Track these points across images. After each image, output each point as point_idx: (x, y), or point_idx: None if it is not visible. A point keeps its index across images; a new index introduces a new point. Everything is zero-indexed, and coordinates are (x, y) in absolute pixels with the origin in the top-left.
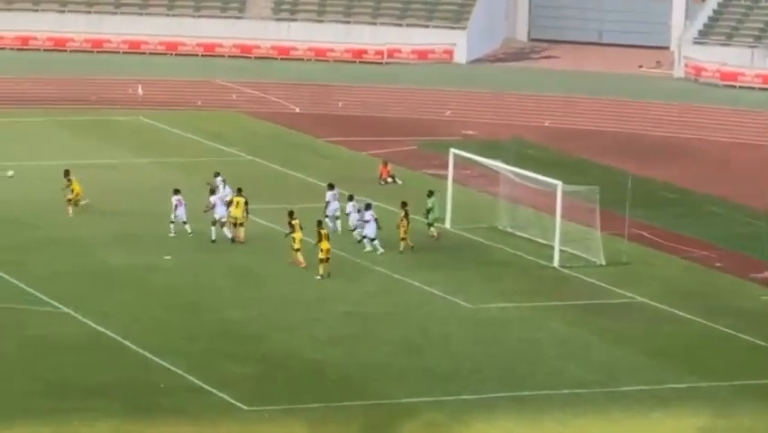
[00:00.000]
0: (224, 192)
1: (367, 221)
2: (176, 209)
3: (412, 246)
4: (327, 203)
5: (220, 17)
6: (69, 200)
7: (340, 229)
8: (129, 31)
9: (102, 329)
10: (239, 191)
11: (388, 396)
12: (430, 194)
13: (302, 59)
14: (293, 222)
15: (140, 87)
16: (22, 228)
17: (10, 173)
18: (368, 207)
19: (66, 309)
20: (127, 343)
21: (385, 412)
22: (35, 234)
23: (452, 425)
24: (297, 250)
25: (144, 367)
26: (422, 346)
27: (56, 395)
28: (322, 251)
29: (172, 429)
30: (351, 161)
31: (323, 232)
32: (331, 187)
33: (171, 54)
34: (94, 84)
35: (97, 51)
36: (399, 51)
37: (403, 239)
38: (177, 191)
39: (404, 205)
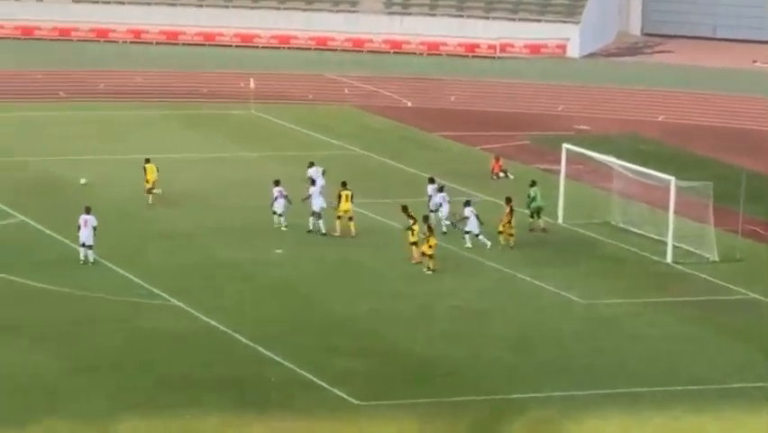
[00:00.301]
0: (320, 183)
1: (466, 217)
2: (275, 201)
3: (512, 244)
4: (429, 197)
5: (332, 11)
6: (149, 190)
7: (444, 226)
8: (241, 24)
9: (213, 323)
10: (343, 185)
11: (498, 391)
12: (532, 183)
13: (414, 54)
14: (412, 214)
15: (252, 80)
16: (133, 221)
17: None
18: (467, 203)
19: (177, 303)
20: (238, 336)
21: (495, 408)
22: (147, 228)
23: (562, 421)
24: (413, 243)
25: (255, 361)
26: (533, 342)
27: (166, 388)
28: (430, 247)
29: (283, 424)
30: (462, 156)
31: (432, 226)
32: (432, 180)
33: (283, 48)
34: (205, 77)
35: (209, 45)
36: (512, 46)
37: (507, 234)
38: (277, 182)
39: (508, 200)
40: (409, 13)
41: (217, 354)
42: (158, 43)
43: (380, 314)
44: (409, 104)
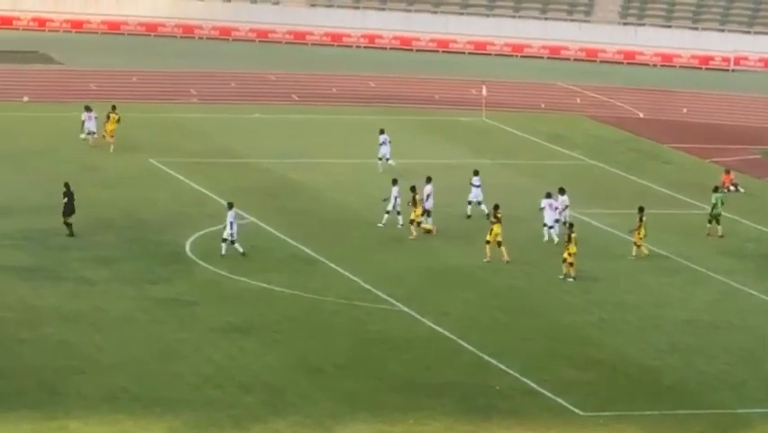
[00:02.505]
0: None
1: (542, 208)
2: (395, 200)
3: (647, 254)
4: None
5: (566, 20)
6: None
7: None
8: (475, 31)
9: (439, 329)
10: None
11: (723, 406)
12: (715, 189)
13: (647, 65)
14: (499, 216)
15: (484, 87)
16: (362, 226)
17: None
18: (548, 195)
19: (403, 308)
20: (463, 343)
21: (720, 422)
22: (377, 233)
23: None
24: (488, 242)
25: (480, 368)
26: (761, 357)
27: (391, 392)
28: (570, 254)
29: (506, 432)
30: (692, 168)
31: (572, 235)
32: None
33: (517, 56)
34: (438, 84)
35: (442, 51)
36: (746, 59)
37: (637, 245)
38: (395, 181)
39: (640, 210)
40: (644, 24)
41: (442, 360)
42: (392, 48)
43: (607, 323)
44: (641, 115)
